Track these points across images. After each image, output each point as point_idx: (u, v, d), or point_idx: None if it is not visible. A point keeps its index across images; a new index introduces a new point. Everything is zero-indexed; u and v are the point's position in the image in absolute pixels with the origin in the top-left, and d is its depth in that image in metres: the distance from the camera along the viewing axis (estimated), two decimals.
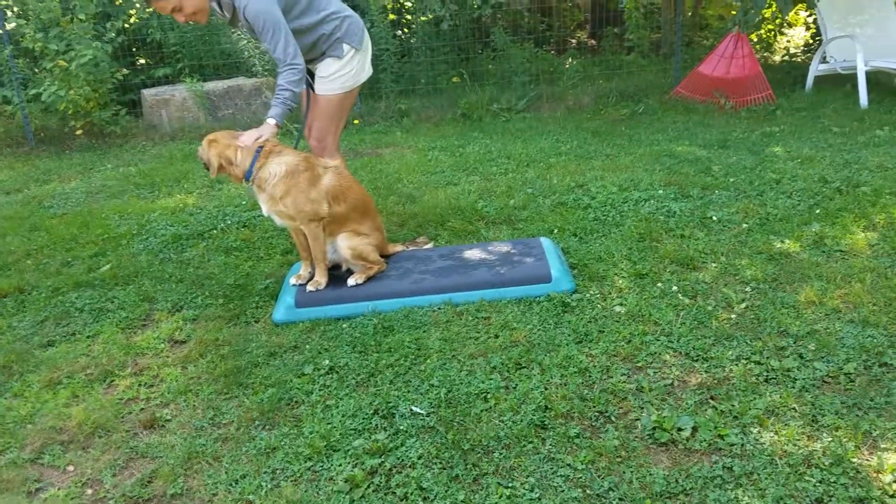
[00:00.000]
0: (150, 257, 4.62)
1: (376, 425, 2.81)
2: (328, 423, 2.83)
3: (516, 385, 2.97)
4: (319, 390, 3.07)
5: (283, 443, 2.74)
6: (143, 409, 3.06)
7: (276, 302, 3.83)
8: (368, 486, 2.48)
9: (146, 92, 8.45)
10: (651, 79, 9.08)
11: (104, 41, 8.00)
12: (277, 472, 2.59)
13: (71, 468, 2.73)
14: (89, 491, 2.60)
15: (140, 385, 3.23)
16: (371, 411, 2.89)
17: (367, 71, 4.26)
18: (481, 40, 9.92)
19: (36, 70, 8.12)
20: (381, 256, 4.01)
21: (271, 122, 3.76)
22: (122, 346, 3.55)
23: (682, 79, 8.51)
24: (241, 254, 4.59)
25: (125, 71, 8.27)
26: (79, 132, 7.87)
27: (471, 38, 9.73)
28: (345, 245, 3.84)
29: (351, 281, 3.84)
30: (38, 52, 7.69)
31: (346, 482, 2.50)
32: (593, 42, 11.75)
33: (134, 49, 9.14)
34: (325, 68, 4.12)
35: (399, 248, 4.23)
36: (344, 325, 3.58)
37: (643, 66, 9.66)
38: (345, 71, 4.10)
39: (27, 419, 3.02)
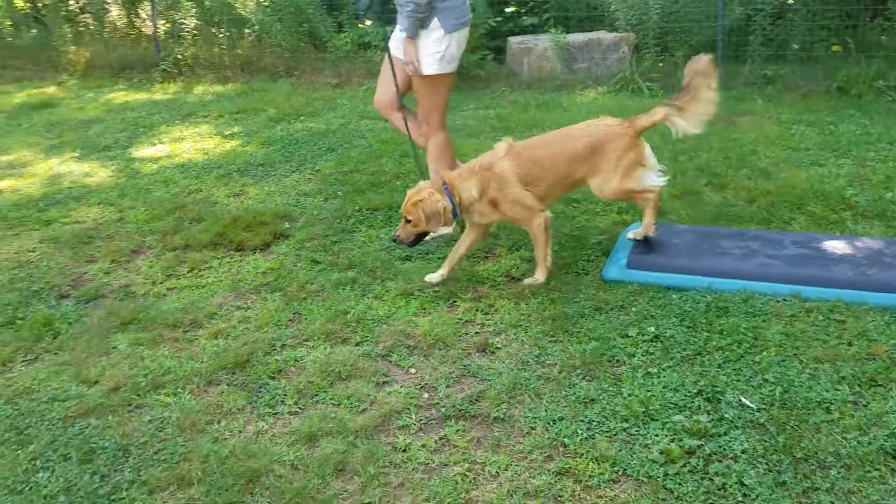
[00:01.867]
0: None
1: (699, 406, 2.71)
2: (648, 391, 2.80)
3: (868, 403, 2.63)
4: (642, 355, 3.04)
5: (601, 397, 2.79)
6: (478, 332, 3.33)
7: (607, 259, 3.85)
8: (684, 465, 2.42)
9: (512, 40, 8.89)
10: None
11: None
12: (593, 423, 2.65)
13: (413, 371, 3.09)
14: (426, 395, 2.92)
15: (478, 311, 3.51)
16: (695, 390, 2.79)
17: (453, 64, 4.12)
18: (874, 6, 8.56)
19: None
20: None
21: (404, 34, 3.98)
22: (467, 272, 3.88)
23: None
24: (579, 206, 4.67)
25: (498, 18, 8.78)
26: None
27: (862, 1, 8.46)
28: (604, 190, 3.69)
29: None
30: None
31: (661, 454, 2.47)
32: None
33: None
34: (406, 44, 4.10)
35: (657, 114, 3.61)
36: (674, 296, 3.48)
37: None
38: (432, 50, 4.02)
39: (383, 320, 3.48)
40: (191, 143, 6.45)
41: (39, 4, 11.07)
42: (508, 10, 9.69)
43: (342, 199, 5.02)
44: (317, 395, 2.93)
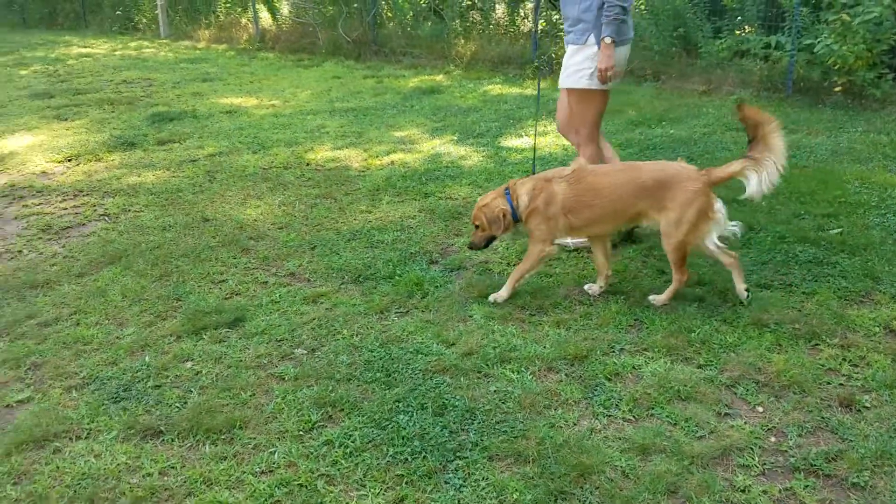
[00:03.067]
0: (884, 234, 4.32)
1: None
2: None
3: None
4: None
5: None
6: (842, 384, 2.97)
7: None
8: None
9: None
10: None
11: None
12: None
13: (760, 409, 2.86)
14: (773, 439, 2.69)
15: (844, 360, 3.12)
16: None
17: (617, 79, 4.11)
18: None
19: (816, 21, 8.19)
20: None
21: (607, 40, 3.96)
22: (835, 314, 3.47)
23: None
24: None
25: None
26: (837, 89, 7.72)
27: None
28: (671, 236, 3.55)
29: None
30: (824, 3, 7.70)
31: None
32: None
33: None
34: (567, 57, 4.20)
35: (735, 165, 3.48)
36: None
37: None
38: (583, 66, 4.10)
39: (731, 347, 3.27)
40: (552, 139, 6.75)
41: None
42: None
43: None
44: (652, 408, 2.88)
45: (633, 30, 4.27)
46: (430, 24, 12.17)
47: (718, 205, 3.50)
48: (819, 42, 7.56)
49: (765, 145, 3.41)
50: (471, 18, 11.55)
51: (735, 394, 2.96)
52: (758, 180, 3.40)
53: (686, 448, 2.61)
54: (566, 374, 3.12)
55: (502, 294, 3.77)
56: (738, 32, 9.17)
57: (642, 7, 9.75)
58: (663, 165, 3.67)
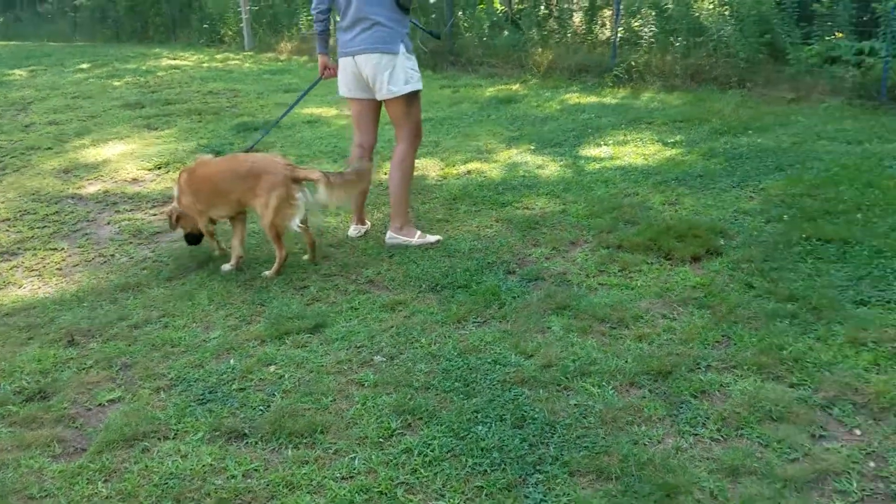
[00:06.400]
0: None
1: None
2: None
3: None
4: None
5: None
6: None
7: None
8: None
9: None
10: None
11: None
12: None
13: (857, 432, 2.70)
14: (872, 464, 2.53)
15: None
16: None
17: (341, 88, 4.63)
18: None
19: None
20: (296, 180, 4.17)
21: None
22: None
23: None
24: None
25: None
26: None
27: None
28: (264, 217, 4.22)
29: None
30: None
31: None
32: None
33: None
34: None
35: (315, 173, 4.18)
36: None
37: None
38: None
39: (825, 366, 3.11)
40: (632, 148, 6.62)
41: (515, 9, 12.43)
42: None
43: (787, 223, 4.64)
44: (742, 428, 2.76)
45: (349, 46, 4.40)
46: (506, 33, 12.15)
47: (300, 195, 4.13)
48: None
49: (343, 183, 4.17)
50: (548, 27, 11.48)
51: (830, 415, 2.82)
52: (321, 194, 4.13)
53: (778, 471, 2.49)
54: (649, 390, 3.03)
55: (226, 267, 4.40)
56: (827, 38, 8.81)
57: (726, 13, 9.47)
58: (255, 158, 4.29)
